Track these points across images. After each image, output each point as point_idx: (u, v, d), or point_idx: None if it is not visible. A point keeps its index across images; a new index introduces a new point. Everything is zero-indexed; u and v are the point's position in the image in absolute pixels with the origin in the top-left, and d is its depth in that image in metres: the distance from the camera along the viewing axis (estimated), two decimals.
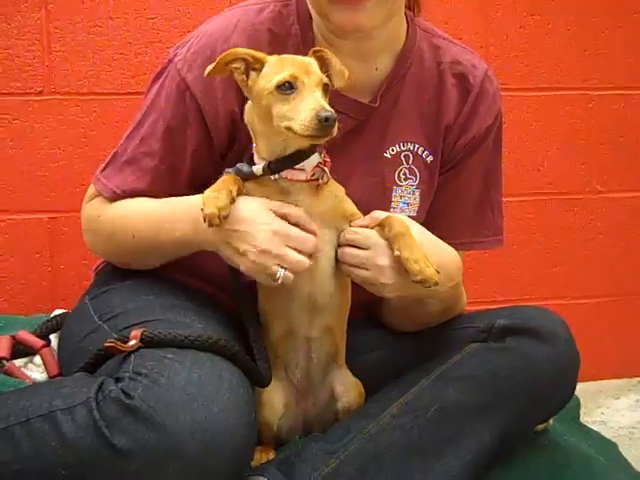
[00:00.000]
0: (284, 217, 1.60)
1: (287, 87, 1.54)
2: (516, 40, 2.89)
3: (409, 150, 1.87)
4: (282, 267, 1.57)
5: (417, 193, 1.88)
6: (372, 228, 1.65)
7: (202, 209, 1.54)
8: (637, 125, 3.01)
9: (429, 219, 1.84)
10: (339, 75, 1.60)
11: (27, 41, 2.56)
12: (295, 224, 1.60)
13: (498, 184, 1.98)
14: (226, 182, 1.60)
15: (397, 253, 1.59)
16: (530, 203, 2.96)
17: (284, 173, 1.62)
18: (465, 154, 1.90)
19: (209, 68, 1.61)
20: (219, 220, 1.54)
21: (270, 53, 1.64)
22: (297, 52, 1.74)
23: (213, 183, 1.72)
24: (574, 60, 2.95)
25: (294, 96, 1.53)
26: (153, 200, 1.78)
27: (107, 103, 2.61)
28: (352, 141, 1.80)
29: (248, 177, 1.64)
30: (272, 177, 1.63)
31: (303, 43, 1.79)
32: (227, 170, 1.65)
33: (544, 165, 2.95)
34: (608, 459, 1.98)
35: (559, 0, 2.92)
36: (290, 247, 1.58)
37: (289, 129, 1.52)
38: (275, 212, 1.60)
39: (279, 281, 1.57)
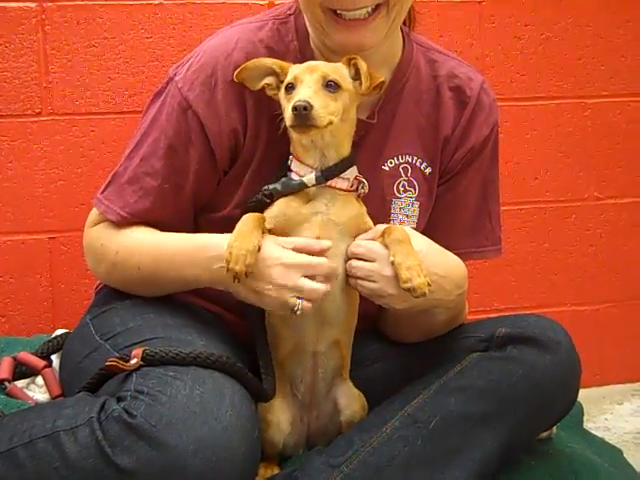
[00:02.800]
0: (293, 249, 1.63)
1: (290, 87, 1.62)
2: (511, 50, 2.90)
3: (407, 162, 1.88)
4: (299, 298, 1.59)
5: (416, 205, 1.89)
6: (376, 240, 1.66)
7: (228, 262, 1.56)
8: (633, 131, 3.02)
9: (428, 230, 1.85)
10: (364, 77, 1.63)
11: (24, 63, 2.56)
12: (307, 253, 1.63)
13: (496, 194, 1.99)
14: (251, 230, 1.60)
15: (392, 259, 1.60)
16: (528, 212, 2.96)
17: (331, 181, 1.67)
18: (463, 166, 1.91)
19: (236, 72, 1.69)
20: (246, 277, 1.56)
21: None
22: None
23: (215, 202, 1.80)
24: (569, 69, 2.95)
25: (292, 95, 1.60)
26: (162, 234, 1.79)
27: (105, 123, 2.61)
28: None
29: (297, 189, 1.67)
30: (318, 186, 1.66)
31: (302, 59, 1.80)
32: (271, 187, 1.68)
33: (541, 174, 2.95)
34: (613, 465, 1.98)
35: (553, 10, 2.92)
36: (305, 276, 1.60)
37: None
38: (282, 246, 1.62)
39: (297, 312, 1.59)
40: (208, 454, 1.39)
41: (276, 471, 1.73)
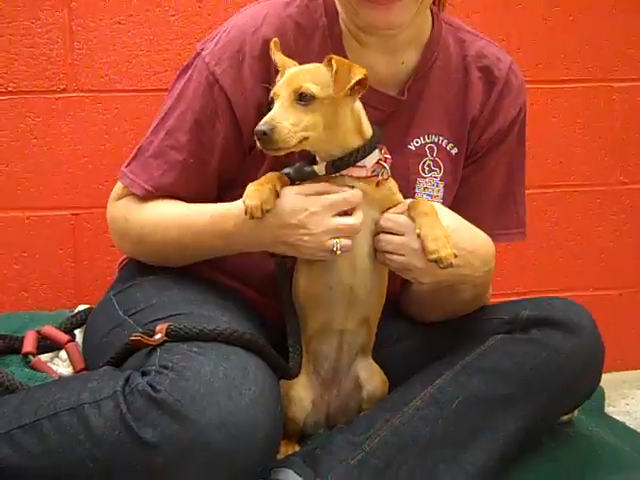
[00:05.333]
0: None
1: (272, 103, 1.59)
2: (538, 32, 2.87)
3: (434, 142, 1.88)
4: (336, 238, 1.61)
5: (441, 185, 1.89)
6: (404, 214, 1.66)
7: (244, 201, 1.57)
8: None
9: (452, 211, 1.84)
10: (335, 81, 1.55)
11: (50, 39, 2.56)
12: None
13: (521, 177, 1.99)
14: (270, 178, 1.63)
15: (417, 231, 1.60)
16: (552, 195, 2.94)
17: (345, 171, 1.64)
18: (490, 147, 1.90)
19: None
20: (261, 213, 1.57)
21: (297, 46, 1.72)
22: (324, 45, 1.78)
23: (240, 178, 1.76)
24: (596, 52, 2.92)
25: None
26: (186, 205, 1.79)
27: (129, 100, 2.61)
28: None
29: (310, 177, 1.66)
30: (333, 175, 1.64)
31: (330, 36, 1.80)
32: (285, 171, 1.67)
33: (566, 157, 2.93)
34: (633, 449, 1.97)
35: None
36: (335, 215, 1.61)
37: None
38: (304, 194, 1.63)
39: (338, 252, 1.61)
40: (231, 429, 1.40)
41: (297, 449, 1.74)
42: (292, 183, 1.66)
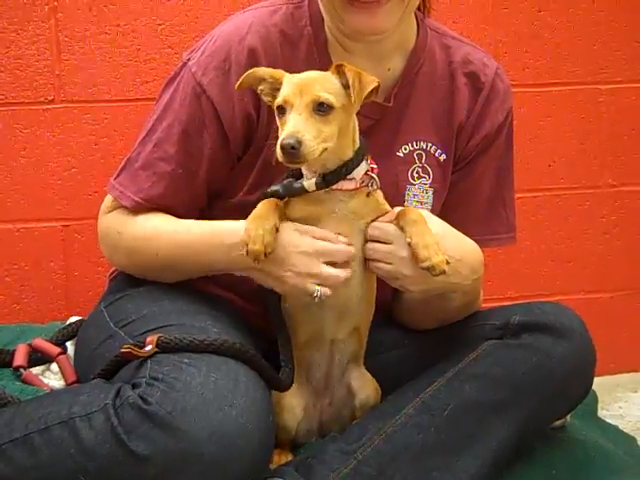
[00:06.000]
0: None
1: (281, 111, 1.56)
2: (525, 36, 2.88)
3: (422, 149, 1.88)
4: (318, 284, 1.60)
5: (430, 192, 1.89)
6: (392, 222, 1.65)
7: (247, 243, 1.56)
8: None
9: (442, 217, 1.83)
10: (353, 90, 1.53)
11: (37, 50, 2.56)
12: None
13: (510, 181, 1.99)
14: (269, 212, 1.61)
15: (408, 240, 1.59)
16: (542, 199, 2.94)
17: (336, 185, 1.63)
18: (477, 152, 1.91)
19: (237, 85, 1.64)
20: (265, 257, 1.57)
21: (283, 54, 1.70)
22: (310, 53, 1.78)
23: (228, 187, 1.78)
24: (583, 55, 2.93)
25: (284, 120, 1.54)
26: (179, 221, 1.79)
27: (117, 110, 2.61)
28: (366, 141, 1.80)
29: (299, 193, 1.64)
30: (323, 190, 1.63)
31: (316, 44, 1.80)
32: (273, 188, 1.66)
33: (555, 160, 2.94)
34: (627, 453, 1.97)
35: None
36: (324, 263, 1.61)
37: None
38: (301, 233, 1.62)
39: (316, 299, 1.60)
40: (223, 440, 1.40)
41: (290, 458, 1.74)
42: (281, 199, 1.66)
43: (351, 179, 1.64)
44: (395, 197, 1.82)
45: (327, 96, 1.53)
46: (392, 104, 1.83)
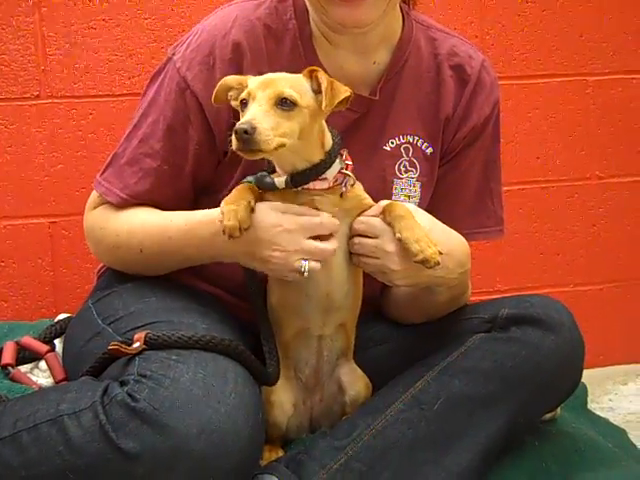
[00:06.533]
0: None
1: (244, 104, 1.54)
2: (511, 28, 2.87)
3: (409, 142, 1.87)
4: (305, 259, 1.58)
5: (418, 185, 1.88)
6: (378, 217, 1.65)
7: (221, 221, 1.55)
8: (635, 109, 2.99)
9: (430, 210, 1.83)
10: (324, 95, 1.52)
11: (22, 46, 2.54)
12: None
13: (497, 174, 1.99)
14: (243, 192, 1.60)
15: (398, 235, 1.59)
16: (530, 191, 2.94)
17: (307, 185, 1.62)
18: (464, 145, 1.90)
19: (213, 98, 1.63)
20: (240, 232, 1.55)
21: (267, 48, 1.70)
22: (294, 46, 1.78)
23: (215, 183, 1.76)
24: (570, 46, 2.93)
25: (245, 112, 1.53)
26: (161, 213, 1.78)
27: (104, 105, 2.60)
28: (352, 135, 1.80)
29: (269, 188, 1.63)
30: (294, 189, 1.62)
31: (301, 38, 1.79)
32: (248, 179, 1.65)
33: (543, 153, 2.94)
34: (617, 445, 1.98)
35: None
36: (309, 238, 1.60)
37: None
38: (280, 211, 1.61)
39: (305, 274, 1.59)
40: (212, 437, 1.39)
41: (280, 454, 1.74)
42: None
43: (323, 179, 1.62)
44: (382, 191, 1.82)
45: (291, 92, 1.51)
46: (378, 97, 1.83)
